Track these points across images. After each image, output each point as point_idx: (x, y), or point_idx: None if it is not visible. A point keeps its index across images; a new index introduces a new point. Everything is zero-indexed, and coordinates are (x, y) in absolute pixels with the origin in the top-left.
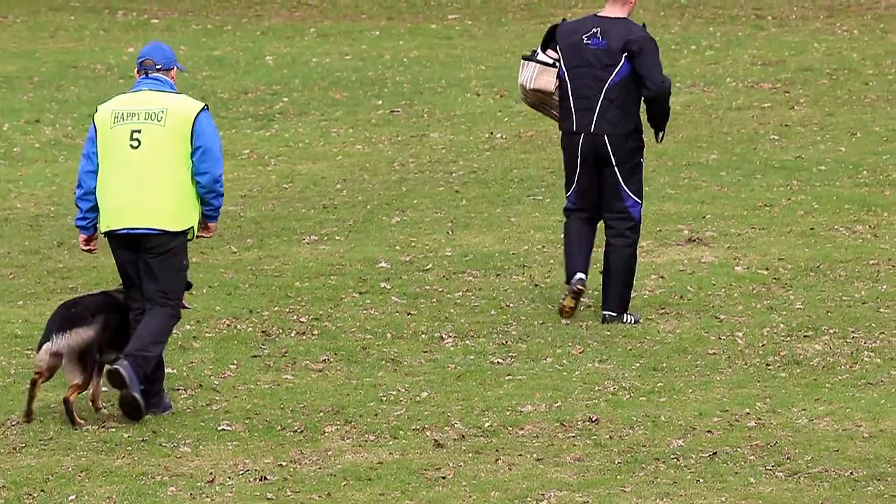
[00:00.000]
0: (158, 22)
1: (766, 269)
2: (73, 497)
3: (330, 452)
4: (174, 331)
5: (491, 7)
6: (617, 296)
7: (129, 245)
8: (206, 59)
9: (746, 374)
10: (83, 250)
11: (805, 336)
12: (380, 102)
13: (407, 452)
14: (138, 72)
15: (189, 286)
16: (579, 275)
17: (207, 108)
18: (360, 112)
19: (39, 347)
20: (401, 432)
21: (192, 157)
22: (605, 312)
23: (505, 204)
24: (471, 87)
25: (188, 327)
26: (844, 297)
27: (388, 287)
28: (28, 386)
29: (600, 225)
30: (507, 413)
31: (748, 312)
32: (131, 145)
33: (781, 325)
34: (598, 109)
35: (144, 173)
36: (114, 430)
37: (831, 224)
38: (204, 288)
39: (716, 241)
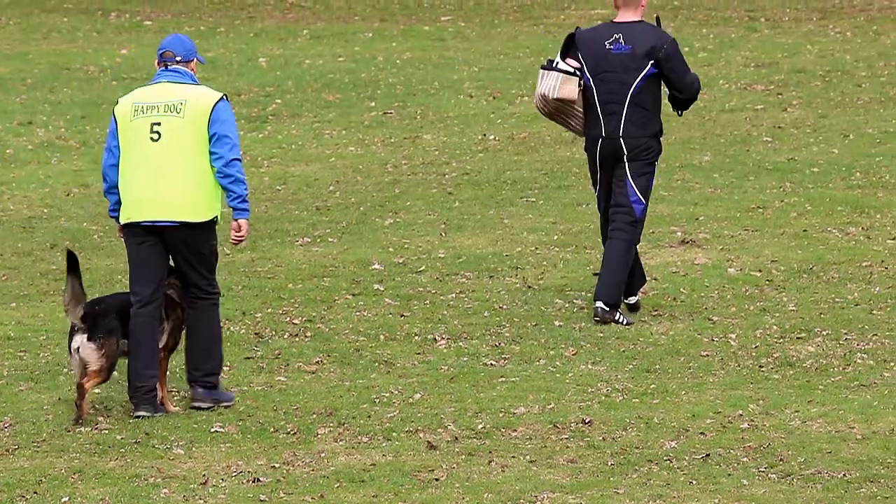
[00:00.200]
0: (151, 24)
1: (759, 270)
2: (66, 499)
3: (323, 454)
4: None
5: (484, 9)
6: (609, 285)
7: (150, 235)
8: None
9: (739, 375)
10: (120, 237)
11: (798, 338)
12: (373, 104)
13: (400, 454)
14: (158, 63)
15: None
16: (599, 304)
17: (226, 97)
18: (353, 114)
19: (69, 349)
20: (394, 434)
21: (209, 144)
22: (598, 305)
23: (498, 206)
24: (464, 89)
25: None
26: (837, 299)
27: (382, 289)
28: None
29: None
30: (501, 415)
31: (741, 314)
32: (151, 138)
33: (774, 327)
34: (624, 114)
35: (165, 166)
36: (107, 432)
37: (824, 226)
38: None
39: (709, 243)
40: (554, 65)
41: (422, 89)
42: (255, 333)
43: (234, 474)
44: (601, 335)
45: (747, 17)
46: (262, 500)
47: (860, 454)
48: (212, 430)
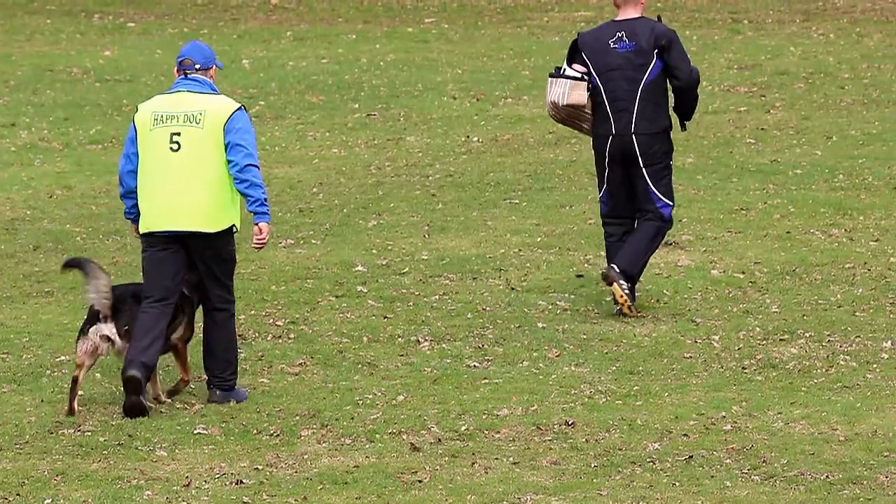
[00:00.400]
0: (135, 25)
1: (743, 272)
2: (49, 501)
3: (306, 456)
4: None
5: (467, 11)
6: (629, 254)
7: (172, 242)
8: None
9: (722, 377)
10: (135, 237)
11: (781, 340)
12: (356, 106)
13: (383, 456)
14: (177, 71)
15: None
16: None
17: (244, 108)
18: (337, 116)
19: (77, 342)
20: (377, 436)
21: (226, 152)
22: (612, 265)
23: (481, 207)
24: (447, 91)
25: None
26: (820, 301)
27: (365, 291)
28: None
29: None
30: (484, 417)
31: (724, 316)
32: (171, 148)
33: (757, 329)
34: (636, 110)
35: (184, 176)
36: (90, 434)
37: (807, 228)
38: None
39: (692, 245)
40: (561, 72)
41: (405, 91)
42: (239, 335)
43: (218, 476)
44: (584, 337)
45: (730, 18)
46: (245, 502)
47: (843, 456)
48: (195, 432)
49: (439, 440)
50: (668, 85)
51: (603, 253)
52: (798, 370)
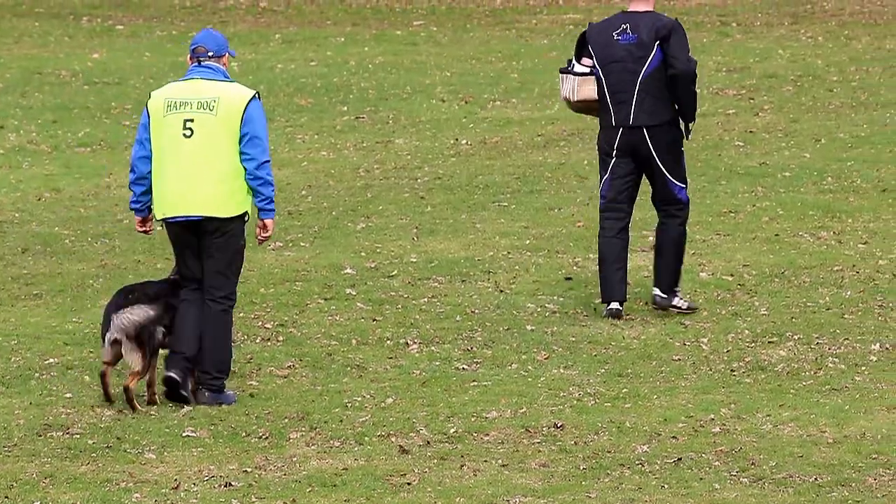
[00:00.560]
0: (123, 28)
1: (731, 275)
2: (38, 503)
3: (295, 458)
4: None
5: (456, 14)
6: (669, 271)
7: (186, 229)
8: (171, 65)
9: (711, 379)
10: (138, 231)
11: (769, 342)
12: (345, 108)
13: (372, 458)
14: (190, 59)
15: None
16: (614, 304)
17: (259, 95)
18: (326, 118)
19: (102, 338)
20: (366, 438)
21: (239, 143)
22: (655, 292)
23: (470, 210)
24: (436, 94)
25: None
26: (809, 304)
27: (354, 293)
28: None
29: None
30: (473, 419)
31: (713, 318)
32: (184, 134)
33: (746, 331)
34: (634, 102)
35: (197, 162)
36: (78, 436)
37: (796, 230)
38: None
39: None
40: (570, 68)
41: (394, 94)
42: None
43: (206, 479)
44: (573, 339)
45: (719, 21)
46: None
47: (831, 458)
48: (184, 434)
49: (428, 443)
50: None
51: (592, 255)
52: (786, 372)
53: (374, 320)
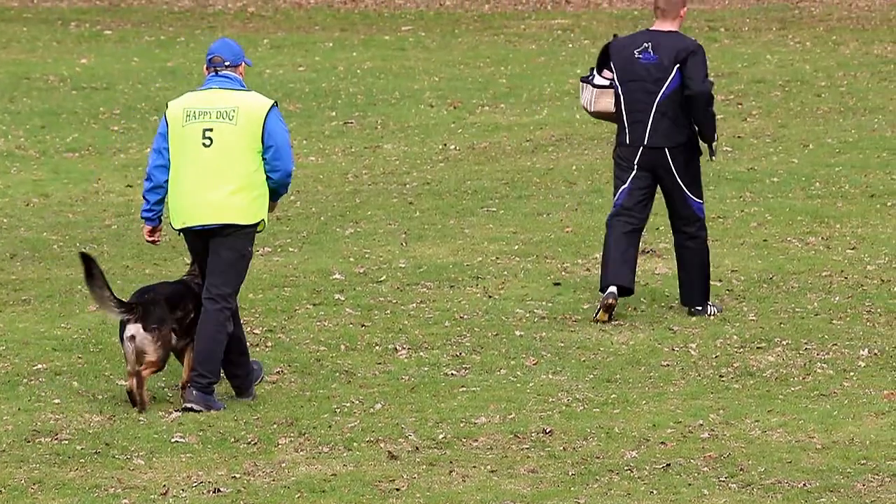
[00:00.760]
0: (112, 33)
1: (720, 280)
2: None
3: (284, 464)
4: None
5: (444, 19)
6: (700, 291)
7: (204, 238)
8: (160, 70)
9: (700, 385)
10: (147, 241)
11: (758, 347)
12: (333, 114)
13: (361, 464)
14: (207, 68)
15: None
16: (612, 288)
17: (277, 105)
18: (314, 123)
19: (121, 339)
20: (355, 444)
21: (263, 154)
22: (688, 307)
23: (459, 215)
24: (424, 99)
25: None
26: (797, 309)
27: (342, 299)
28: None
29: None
30: (461, 425)
31: (701, 324)
32: (203, 143)
33: (735, 337)
34: (650, 123)
35: (216, 171)
36: (66, 442)
37: (784, 236)
38: None
39: (669, 253)
40: (590, 79)
41: (382, 99)
42: None
43: (195, 485)
44: (562, 345)
45: (707, 26)
46: None
47: (820, 464)
48: (172, 440)
49: (417, 448)
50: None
51: (580, 261)
52: (775, 378)
53: (362, 326)
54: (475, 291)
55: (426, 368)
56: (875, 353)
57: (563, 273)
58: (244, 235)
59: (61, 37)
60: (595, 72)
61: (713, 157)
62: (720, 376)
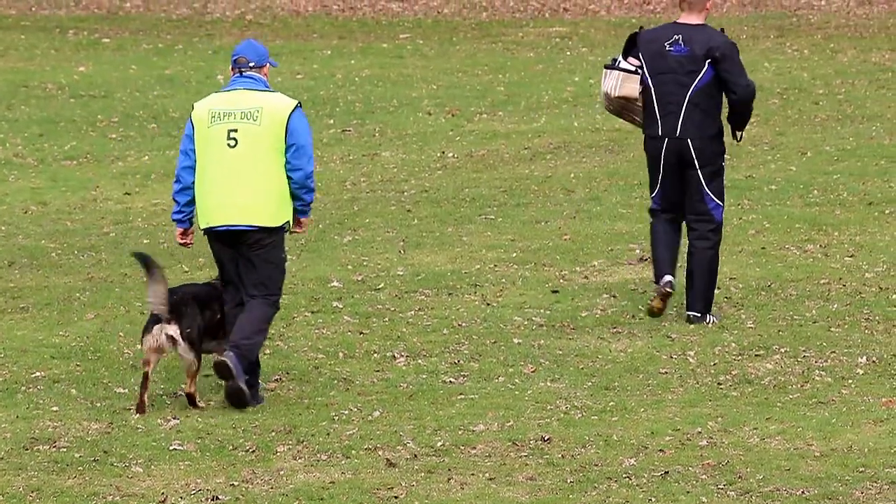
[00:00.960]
0: (110, 41)
1: (718, 288)
2: None
3: (282, 472)
4: (126, 351)
5: (442, 27)
6: (701, 297)
7: (227, 241)
8: (158, 78)
9: (698, 393)
10: (179, 244)
11: (756, 355)
12: (331, 122)
13: (359, 472)
14: (232, 69)
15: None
16: (667, 277)
17: (300, 105)
18: (312, 131)
19: (142, 339)
20: (353, 452)
21: (285, 153)
22: (689, 313)
23: (457, 223)
24: (422, 107)
25: (139, 347)
26: (795, 317)
27: (340, 306)
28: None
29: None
30: (460, 432)
31: (700, 331)
32: (228, 144)
33: (733, 345)
34: (682, 114)
35: (242, 171)
36: (65, 450)
37: (782, 243)
38: None
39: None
40: (616, 63)
41: (380, 107)
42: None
43: (193, 492)
44: (560, 353)
45: None
46: None
47: (818, 471)
48: (170, 448)
49: (415, 456)
50: (721, 95)
51: (578, 268)
52: (773, 386)
53: (360, 333)
54: (473, 299)
55: (424, 376)
56: (873, 361)
57: (562, 281)
58: (275, 245)
59: (59, 45)
60: (621, 57)
61: (738, 140)
62: (718, 384)
